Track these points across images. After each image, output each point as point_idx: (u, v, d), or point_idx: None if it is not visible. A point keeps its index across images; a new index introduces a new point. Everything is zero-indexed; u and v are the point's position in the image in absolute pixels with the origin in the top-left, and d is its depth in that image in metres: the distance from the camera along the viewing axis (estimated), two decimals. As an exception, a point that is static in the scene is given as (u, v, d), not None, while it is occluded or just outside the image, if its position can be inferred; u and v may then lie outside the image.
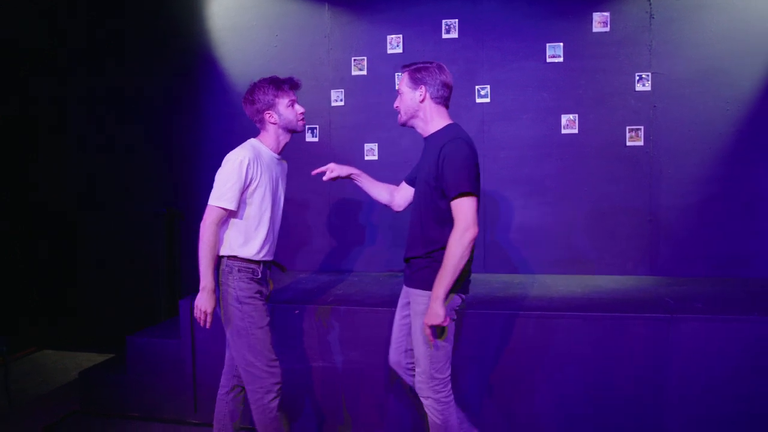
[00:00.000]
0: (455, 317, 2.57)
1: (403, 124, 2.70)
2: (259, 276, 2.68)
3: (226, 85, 4.71)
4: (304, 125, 2.81)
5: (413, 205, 2.67)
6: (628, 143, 4.15)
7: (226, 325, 2.66)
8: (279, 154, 2.79)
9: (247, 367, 2.63)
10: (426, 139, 2.64)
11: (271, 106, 2.69)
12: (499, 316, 3.18)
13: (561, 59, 4.23)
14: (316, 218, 4.61)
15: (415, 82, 2.58)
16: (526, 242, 4.30)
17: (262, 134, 2.76)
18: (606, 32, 4.19)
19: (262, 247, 2.68)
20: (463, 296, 2.58)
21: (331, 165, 2.93)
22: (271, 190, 2.71)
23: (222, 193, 2.57)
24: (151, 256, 4.85)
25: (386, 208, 4.39)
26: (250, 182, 2.60)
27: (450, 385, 2.57)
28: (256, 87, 2.71)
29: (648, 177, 4.14)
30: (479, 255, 4.37)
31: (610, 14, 4.18)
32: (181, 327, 3.50)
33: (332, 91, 4.55)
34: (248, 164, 2.58)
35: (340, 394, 3.36)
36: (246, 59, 4.66)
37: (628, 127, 4.16)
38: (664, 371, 3.04)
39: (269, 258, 2.76)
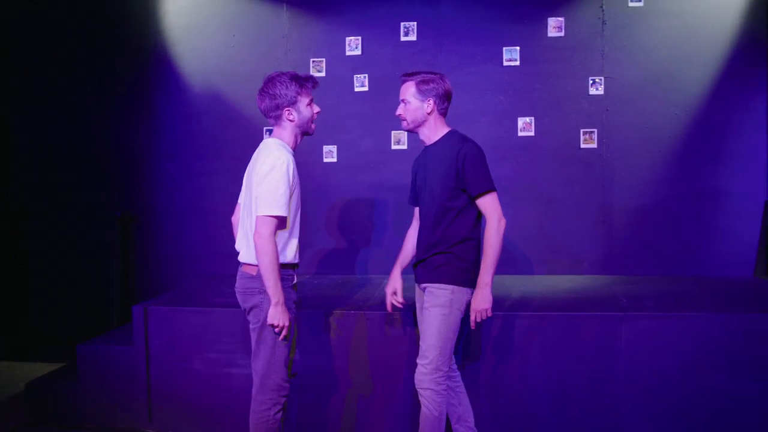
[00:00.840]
0: (463, 312, 2.65)
1: (409, 131, 2.80)
2: (294, 281, 2.63)
3: (182, 85, 4.62)
4: (315, 129, 2.71)
5: (423, 212, 2.74)
6: (582, 146, 4.24)
7: (255, 332, 2.59)
8: (294, 151, 2.67)
9: (264, 377, 2.57)
10: (429, 146, 2.75)
11: (292, 102, 2.56)
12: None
13: (517, 63, 4.30)
14: (275, 221, 4.55)
15: (424, 94, 2.66)
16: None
17: (279, 132, 2.62)
18: (561, 37, 4.28)
19: (297, 250, 2.62)
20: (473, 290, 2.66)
21: (391, 298, 2.90)
22: (299, 190, 2.64)
23: (276, 200, 2.42)
24: (104, 261, 4.71)
25: (351, 208, 4.44)
26: (294, 186, 2.52)
27: (446, 380, 2.65)
28: (276, 81, 2.55)
29: (601, 179, 4.24)
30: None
31: (565, 20, 4.27)
32: (134, 333, 3.40)
33: (291, 92, 4.50)
34: (293, 167, 2.50)
35: (306, 400, 3.32)
36: (202, 59, 4.58)
37: (582, 130, 4.25)
38: (618, 368, 3.11)
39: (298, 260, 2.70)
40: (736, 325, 3.06)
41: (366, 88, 4.43)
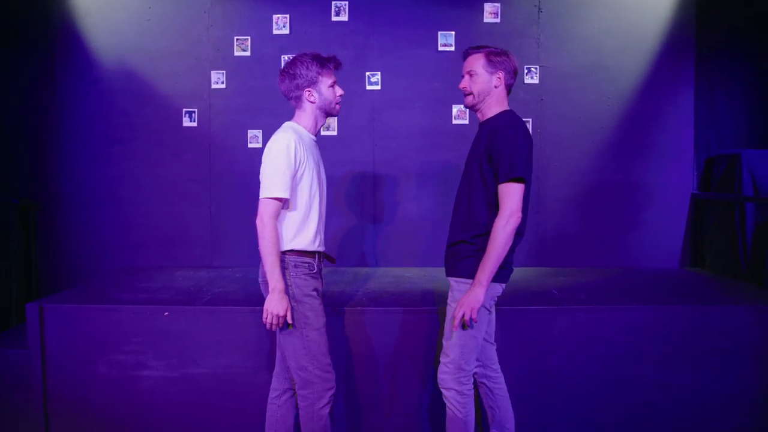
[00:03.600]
0: (491, 307, 2.49)
1: (472, 107, 2.54)
2: (315, 270, 2.46)
3: (92, 60, 4.21)
4: (339, 109, 2.54)
5: (460, 190, 2.55)
6: (517, 135, 4.15)
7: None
8: (315, 135, 2.54)
9: (299, 370, 2.42)
10: (483, 123, 2.53)
11: (313, 83, 2.44)
12: (393, 312, 3.03)
13: (453, 48, 4.16)
14: (197, 210, 4.25)
15: (494, 66, 2.46)
16: (417, 234, 4.20)
17: (298, 114, 2.51)
18: (497, 23, 4.17)
19: (315, 236, 2.46)
20: (503, 285, 2.47)
21: None
22: (317, 174, 2.47)
23: (274, 182, 2.31)
24: (2, 253, 4.26)
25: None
26: (299, 166, 2.36)
27: (472, 379, 2.49)
28: (297, 61, 2.45)
29: (535, 169, 4.15)
30: (370, 248, 4.23)
31: (501, 5, 4.16)
32: (29, 335, 3.04)
33: (213, 72, 4.19)
34: (295, 147, 2.34)
35: (219, 401, 3.07)
36: (115, 33, 4.19)
37: (517, 120, 4.16)
38: (551, 361, 3.04)
39: (322, 248, 2.53)
40: (662, 317, 3.04)
41: (294, 70, 4.17)
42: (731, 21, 4.22)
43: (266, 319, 2.32)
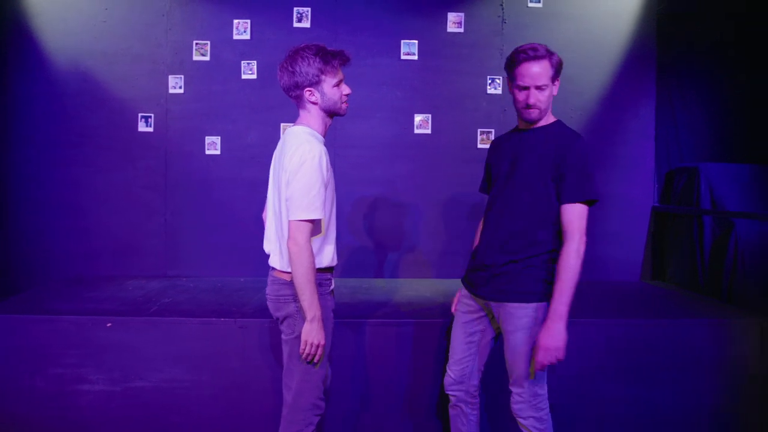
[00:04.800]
0: None
1: (535, 122, 2.26)
2: (332, 287, 2.30)
3: (44, 61, 4.07)
4: (347, 108, 2.28)
5: (499, 203, 2.29)
6: (479, 146, 4.13)
7: (287, 345, 2.25)
8: (324, 137, 2.29)
9: (298, 394, 2.23)
10: (528, 131, 2.28)
11: (314, 83, 2.16)
12: (344, 324, 2.94)
13: (416, 57, 4.12)
14: (151, 218, 4.12)
15: (557, 73, 2.21)
16: (376, 245, 4.13)
17: (305, 116, 2.23)
18: (460, 33, 4.14)
19: (335, 250, 2.28)
20: None
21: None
22: (333, 182, 2.26)
23: (310, 202, 2.07)
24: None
25: (235, 205, 4.07)
26: (329, 181, 2.16)
27: (548, 402, 2.30)
28: (299, 56, 2.16)
29: (498, 180, 4.14)
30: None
31: (465, 15, 4.14)
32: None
33: (170, 76, 4.08)
34: (326, 160, 2.13)
35: (163, 416, 2.94)
36: (69, 33, 4.06)
37: (479, 130, 4.14)
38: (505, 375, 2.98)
39: (336, 261, 2.33)
40: (618, 331, 3.01)
41: (254, 76, 4.09)
42: (690, 38, 4.26)
43: (305, 350, 2.13)
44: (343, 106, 2.25)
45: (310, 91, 2.16)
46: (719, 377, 3.02)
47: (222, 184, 4.10)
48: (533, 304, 2.21)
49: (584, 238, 2.13)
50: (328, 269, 2.26)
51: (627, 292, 3.79)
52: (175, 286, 3.73)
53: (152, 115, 4.08)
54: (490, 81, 4.14)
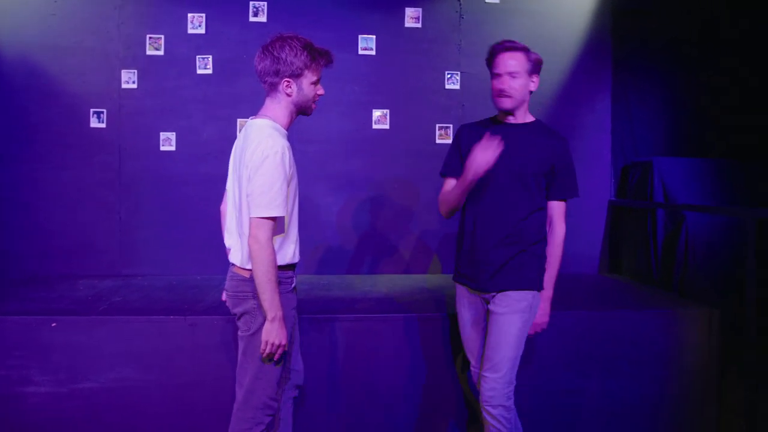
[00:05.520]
0: None
1: (510, 110, 2.34)
2: (294, 284, 2.26)
3: (-11, 56, 3.96)
4: (314, 109, 2.27)
5: (490, 197, 2.34)
6: (438, 141, 4.14)
7: (242, 341, 2.20)
8: (287, 132, 2.24)
9: (249, 392, 2.18)
10: (515, 126, 2.36)
11: (295, 75, 2.11)
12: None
13: (373, 52, 4.11)
14: (104, 215, 4.03)
15: (535, 68, 2.31)
16: (334, 240, 4.11)
17: (272, 106, 2.17)
18: (418, 28, 4.14)
19: (296, 246, 2.24)
20: None
21: None
22: (296, 177, 2.22)
23: (271, 199, 2.03)
24: None
25: (191, 202, 4.01)
26: (291, 177, 2.11)
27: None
28: (286, 44, 2.10)
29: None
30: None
31: (422, 11, 4.14)
32: None
33: (123, 71, 4.00)
34: (289, 156, 2.09)
35: (112, 417, 2.88)
36: (17, 27, 3.95)
37: (437, 125, 4.15)
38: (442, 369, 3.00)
39: (299, 258, 2.29)
40: (578, 322, 3.04)
41: (210, 71, 4.03)
42: (645, 34, 4.32)
43: (266, 350, 2.10)
44: (313, 106, 2.24)
45: (288, 82, 2.12)
46: (669, 367, 3.08)
47: (178, 180, 4.03)
48: (532, 292, 2.34)
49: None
50: (290, 266, 2.22)
51: (584, 285, 3.83)
52: (129, 285, 3.67)
53: (104, 110, 4.00)
54: (448, 76, 4.15)
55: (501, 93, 2.31)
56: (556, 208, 2.38)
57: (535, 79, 2.32)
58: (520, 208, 2.32)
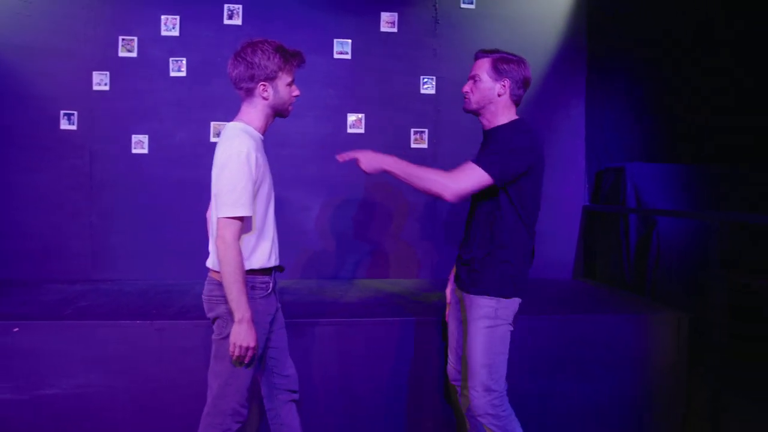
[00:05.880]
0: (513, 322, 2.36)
1: (469, 111, 2.43)
2: (271, 289, 2.21)
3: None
4: (291, 111, 2.29)
5: (475, 203, 2.40)
6: (413, 145, 4.13)
7: (214, 344, 2.19)
8: (263, 136, 2.25)
9: (217, 398, 2.16)
10: (488, 131, 2.39)
11: (270, 78, 2.14)
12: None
13: (349, 56, 4.10)
14: (76, 219, 3.97)
15: (499, 73, 2.32)
16: (310, 245, 4.09)
17: (247, 111, 2.18)
18: (394, 33, 4.14)
19: (272, 250, 2.21)
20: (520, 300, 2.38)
21: None
22: (270, 181, 2.22)
23: (236, 198, 2.03)
24: None
25: (163, 207, 3.96)
26: (258, 177, 2.11)
27: (507, 399, 2.32)
28: (258, 48, 2.12)
29: (432, 180, 4.15)
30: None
31: (398, 15, 4.14)
32: None
33: (95, 73, 3.95)
34: (255, 156, 2.08)
35: (75, 425, 2.83)
36: (-14, 27, 3.89)
37: (413, 129, 4.14)
38: (432, 372, 2.98)
39: (277, 262, 2.26)
40: (550, 326, 3.04)
41: (183, 74, 4.00)
42: (619, 39, 4.36)
43: (234, 352, 2.07)
44: (290, 108, 2.26)
45: (264, 85, 2.14)
46: (639, 370, 3.09)
47: (150, 184, 3.98)
48: (495, 298, 2.28)
49: (454, 192, 2.26)
50: (265, 270, 2.19)
51: (558, 289, 3.85)
52: (98, 290, 3.61)
53: (75, 112, 3.94)
54: (424, 81, 4.15)
55: (464, 96, 2.42)
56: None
57: (504, 83, 2.32)
58: (485, 211, 2.34)
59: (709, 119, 4.31)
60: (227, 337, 2.11)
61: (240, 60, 2.13)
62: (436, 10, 4.17)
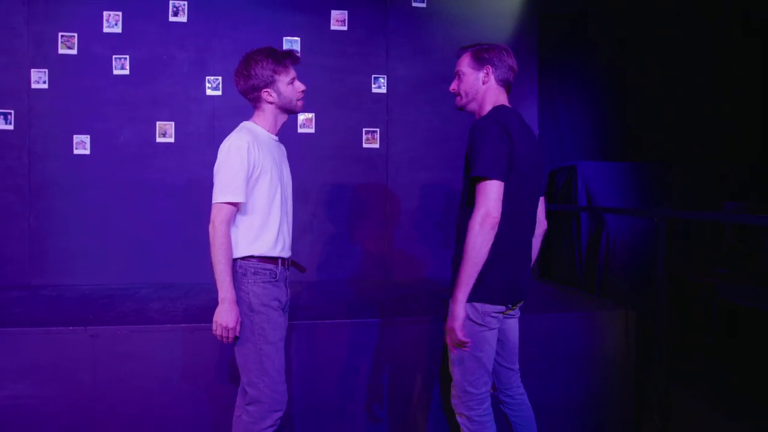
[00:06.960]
0: (494, 325, 2.19)
1: (462, 108, 2.34)
2: (277, 277, 2.28)
3: None
4: (303, 105, 2.39)
5: (460, 207, 2.30)
6: (365, 145, 4.08)
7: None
8: (276, 135, 2.38)
9: (249, 386, 2.25)
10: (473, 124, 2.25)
11: (270, 83, 2.26)
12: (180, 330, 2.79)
13: (298, 55, 4.01)
14: (13, 222, 3.81)
15: (480, 61, 2.26)
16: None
17: (257, 114, 2.33)
18: (344, 31, 4.09)
19: (277, 241, 2.28)
20: (509, 305, 2.20)
21: None
22: (278, 175, 2.30)
23: (226, 185, 2.16)
24: None
25: (107, 209, 3.83)
26: (254, 168, 2.20)
27: (487, 403, 2.26)
28: (251, 60, 2.26)
29: (384, 181, 4.11)
30: (195, 261, 3.90)
31: (348, 14, 4.09)
32: None
33: (33, 70, 3.81)
34: (248, 148, 2.18)
35: (6, 438, 2.69)
36: None
37: (364, 129, 4.09)
38: (363, 374, 2.93)
39: (287, 254, 2.34)
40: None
41: (127, 72, 3.88)
42: (570, 39, 4.39)
43: (216, 331, 2.17)
44: (299, 103, 2.36)
45: (267, 91, 2.27)
46: (589, 367, 3.08)
47: (93, 185, 3.85)
48: (469, 303, 2.16)
49: (492, 215, 2.04)
50: (269, 259, 2.26)
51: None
52: (35, 296, 3.46)
53: (12, 111, 3.79)
54: (374, 80, 4.11)
55: (454, 95, 2.36)
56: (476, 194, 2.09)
57: (486, 69, 2.25)
58: (462, 209, 2.28)
59: (660, 117, 4.36)
60: (240, 321, 2.21)
61: (240, 75, 2.28)
62: (386, 8, 4.14)
